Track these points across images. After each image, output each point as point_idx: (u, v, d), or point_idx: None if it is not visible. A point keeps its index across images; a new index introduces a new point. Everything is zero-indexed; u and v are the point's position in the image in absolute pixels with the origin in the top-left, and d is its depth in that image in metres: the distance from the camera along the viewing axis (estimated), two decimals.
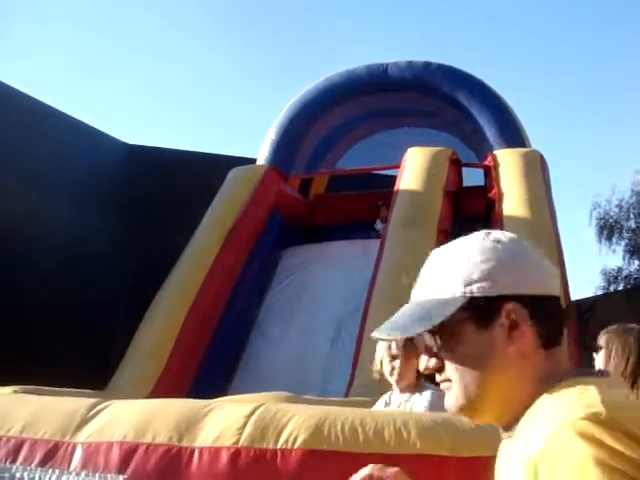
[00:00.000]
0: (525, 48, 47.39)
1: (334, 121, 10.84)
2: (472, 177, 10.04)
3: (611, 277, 20.53)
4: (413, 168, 8.73)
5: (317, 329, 8.14)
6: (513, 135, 9.49)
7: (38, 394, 5.24)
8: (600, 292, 19.40)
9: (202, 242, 8.39)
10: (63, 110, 11.74)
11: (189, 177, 12.02)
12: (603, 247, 20.70)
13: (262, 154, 10.32)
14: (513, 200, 8.12)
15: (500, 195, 8.30)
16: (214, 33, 47.59)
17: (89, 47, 45.33)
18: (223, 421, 2.47)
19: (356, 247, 9.36)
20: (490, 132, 9.51)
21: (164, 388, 6.76)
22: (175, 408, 3.10)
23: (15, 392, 4.90)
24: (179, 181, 12.05)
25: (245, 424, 2.61)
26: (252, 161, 10.62)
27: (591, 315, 11.72)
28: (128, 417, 3.11)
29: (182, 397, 7.08)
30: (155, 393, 6.62)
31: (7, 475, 3.16)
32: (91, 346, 10.94)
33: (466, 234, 1.29)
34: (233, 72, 49.19)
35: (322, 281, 8.85)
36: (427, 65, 10.18)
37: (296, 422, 2.47)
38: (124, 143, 12.90)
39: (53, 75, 42.28)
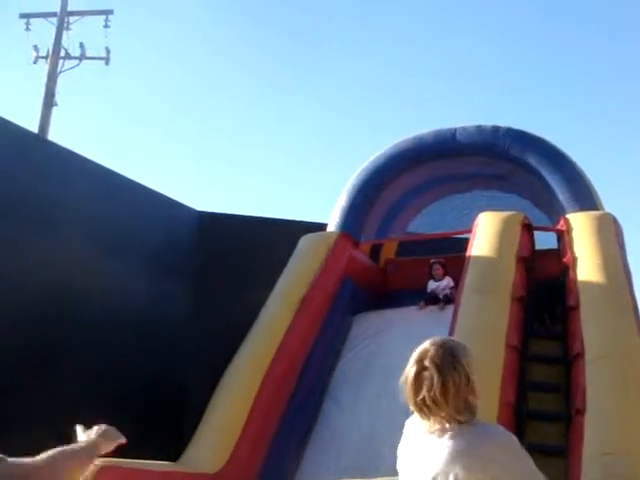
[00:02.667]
0: (592, 108, 46.86)
1: (403, 187, 10.91)
2: (545, 239, 9.95)
3: None
4: (485, 233, 8.68)
5: (389, 398, 8.05)
6: (585, 198, 9.37)
7: (118, 466, 5.33)
8: None
9: (275, 310, 8.47)
10: (135, 179, 12.08)
11: (259, 243, 12.18)
12: None
13: (333, 220, 10.42)
14: (588, 265, 7.98)
15: (574, 260, 8.18)
16: (281, 95, 48.42)
17: (156, 114, 46.60)
18: None
19: (428, 313, 9.32)
20: (562, 195, 9.42)
21: (239, 459, 6.78)
22: None
23: (95, 465, 4.96)
24: (249, 247, 12.22)
25: None
26: (321, 226, 10.73)
27: None
28: None
29: (257, 468, 7.12)
30: (230, 464, 6.64)
31: None
32: (163, 414, 11.04)
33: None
34: (294, 136, 49.76)
35: (394, 348, 8.77)
36: (496, 129, 10.17)
37: None
38: (195, 210, 13.15)
39: (112, 138, 43.54)
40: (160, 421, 10.68)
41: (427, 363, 2.63)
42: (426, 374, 2.61)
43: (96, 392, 9.87)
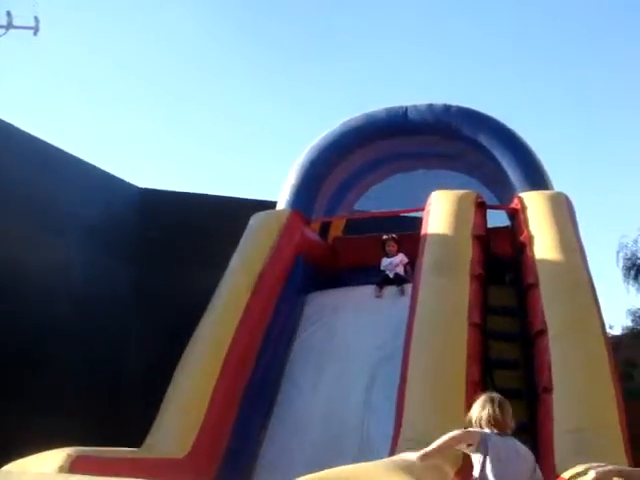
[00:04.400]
0: (546, 86, 46.86)
1: (353, 164, 10.82)
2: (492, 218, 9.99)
3: (637, 317, 20.60)
4: (439, 212, 8.64)
5: (349, 377, 8.01)
6: (537, 177, 9.48)
7: (90, 454, 5.12)
8: (626, 331, 19.60)
9: (231, 289, 8.27)
10: (76, 154, 11.70)
11: (204, 220, 11.97)
12: (630, 287, 20.85)
13: (282, 197, 10.27)
14: (543, 243, 8.05)
15: (530, 238, 8.23)
16: (235, 70, 46.79)
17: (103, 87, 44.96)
18: None
19: (386, 297, 9.26)
20: (513, 175, 9.49)
21: (204, 442, 6.63)
22: None
23: (69, 455, 4.77)
24: (194, 224, 12.00)
25: None
26: (269, 203, 10.55)
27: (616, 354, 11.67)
28: None
29: (221, 450, 6.98)
30: (196, 447, 6.49)
31: None
32: (100, 393, 10.81)
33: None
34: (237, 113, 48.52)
35: (350, 327, 8.73)
36: (447, 108, 10.18)
37: None
38: (137, 187, 12.83)
39: (56, 111, 42.09)
40: (96, 401, 10.52)
41: None
42: None
43: (32, 368, 9.65)
